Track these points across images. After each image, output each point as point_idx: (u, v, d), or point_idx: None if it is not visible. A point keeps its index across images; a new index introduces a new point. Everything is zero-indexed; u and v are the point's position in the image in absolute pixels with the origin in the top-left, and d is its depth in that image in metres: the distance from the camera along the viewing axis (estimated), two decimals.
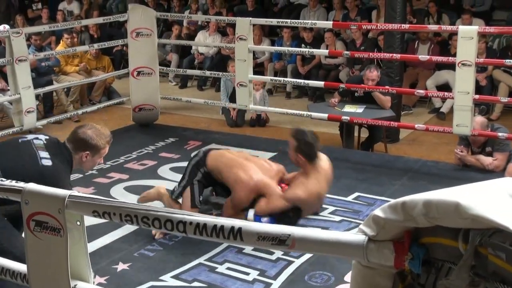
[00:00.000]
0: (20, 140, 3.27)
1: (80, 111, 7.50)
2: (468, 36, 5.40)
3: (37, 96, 7.08)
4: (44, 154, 3.18)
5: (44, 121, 6.93)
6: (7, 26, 8.63)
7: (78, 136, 3.32)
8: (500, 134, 5.40)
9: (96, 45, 7.99)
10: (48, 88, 7.30)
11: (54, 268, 2.04)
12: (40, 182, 2.51)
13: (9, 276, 2.20)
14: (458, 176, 5.40)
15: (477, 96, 5.67)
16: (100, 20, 8.66)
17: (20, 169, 3.05)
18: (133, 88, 7.05)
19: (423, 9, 9.67)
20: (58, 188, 2.04)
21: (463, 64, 5.45)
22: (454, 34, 7.71)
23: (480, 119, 5.65)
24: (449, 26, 7.41)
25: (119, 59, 10.35)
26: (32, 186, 2.03)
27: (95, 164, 3.45)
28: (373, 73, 6.33)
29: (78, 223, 1.99)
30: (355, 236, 1.58)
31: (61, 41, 8.74)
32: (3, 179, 2.42)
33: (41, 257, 2.06)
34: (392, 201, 1.49)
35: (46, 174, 3.08)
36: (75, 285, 2.03)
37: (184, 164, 5.84)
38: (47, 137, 3.34)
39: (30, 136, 3.33)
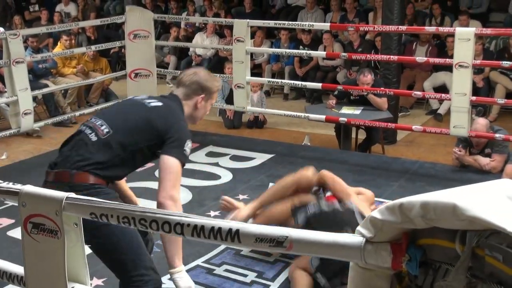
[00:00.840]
0: (119, 101, 3.23)
1: (77, 113, 7.49)
2: (465, 37, 5.41)
3: (34, 98, 7.07)
4: (149, 99, 2.98)
5: (42, 123, 6.91)
6: (1, 29, 8.63)
7: (190, 79, 3.05)
8: (497, 135, 5.41)
9: (93, 47, 7.98)
10: (45, 90, 7.30)
11: (51, 270, 2.03)
12: (155, 128, 2.80)
13: (5, 279, 2.19)
14: (456, 177, 5.41)
15: (474, 98, 5.68)
16: (98, 22, 8.66)
17: (129, 121, 2.83)
18: (131, 90, 7.05)
19: (423, 11, 9.70)
20: (54, 193, 2.02)
21: (460, 66, 5.46)
22: (450, 35, 7.73)
23: (483, 120, 5.64)
24: (446, 28, 7.44)
25: (116, 61, 10.36)
26: (29, 188, 2.03)
27: (207, 111, 3.14)
28: (367, 77, 6.34)
29: (76, 225, 1.99)
30: (352, 237, 1.58)
31: (58, 43, 8.74)
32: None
33: (38, 259, 2.06)
34: (390, 202, 1.49)
35: (160, 113, 2.86)
36: (73, 287, 2.03)
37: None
38: (146, 95, 3.18)
39: (128, 97, 3.27)
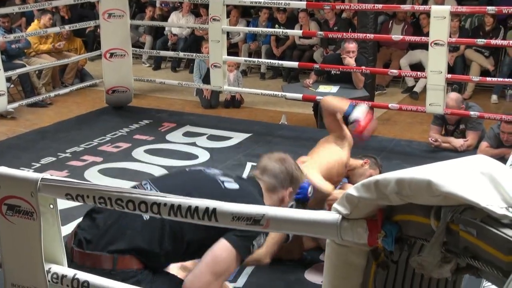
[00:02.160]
0: (186, 169, 2.62)
1: (52, 94, 7.39)
2: (440, 15, 5.43)
3: (8, 79, 6.97)
4: (225, 178, 2.46)
5: (16, 104, 6.81)
6: None
7: (279, 167, 2.61)
8: (472, 112, 5.47)
9: (67, 27, 7.86)
10: (19, 71, 7.18)
11: (28, 252, 2.02)
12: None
13: None
14: (432, 155, 5.47)
15: (449, 76, 5.72)
16: (71, 1, 8.51)
17: (200, 193, 2.08)
18: (106, 70, 6.97)
19: None
20: (29, 174, 2.01)
21: (435, 44, 5.48)
22: (424, 13, 7.76)
23: (454, 95, 5.69)
24: (422, 6, 7.44)
25: (92, 41, 10.23)
26: (3, 169, 2.00)
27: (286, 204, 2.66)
28: (351, 45, 6.35)
29: (51, 206, 1.97)
30: (329, 214, 1.59)
31: (33, 23, 8.59)
32: None
33: (15, 241, 2.04)
34: (365, 179, 1.50)
35: (234, 196, 2.19)
36: (49, 268, 2.02)
37: (159, 146, 5.84)
38: (221, 171, 2.63)
39: (198, 167, 2.66)
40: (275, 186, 2.57)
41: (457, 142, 5.54)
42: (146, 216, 2.23)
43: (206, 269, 2.19)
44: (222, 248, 2.20)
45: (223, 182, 2.42)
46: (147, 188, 2.41)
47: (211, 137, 6.10)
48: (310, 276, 3.49)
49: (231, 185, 2.41)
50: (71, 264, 2.17)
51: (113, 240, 2.25)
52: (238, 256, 2.21)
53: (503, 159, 4.06)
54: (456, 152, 5.42)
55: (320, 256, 3.57)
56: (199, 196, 1.78)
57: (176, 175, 2.60)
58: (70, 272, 2.02)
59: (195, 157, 5.56)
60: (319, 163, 3.65)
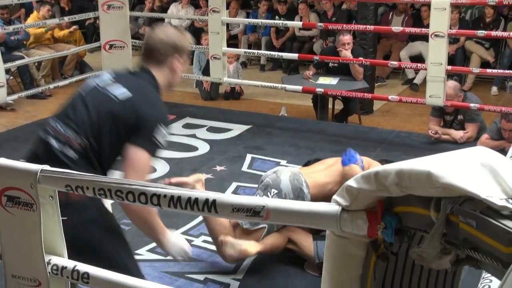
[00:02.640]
0: (81, 92, 2.58)
1: (52, 86, 7.38)
2: (441, 7, 5.41)
3: (7, 71, 6.95)
4: (117, 88, 2.50)
5: (15, 96, 6.81)
6: None
7: (159, 40, 2.62)
8: (472, 104, 5.46)
9: (66, 18, 7.85)
10: (18, 62, 7.17)
11: (27, 243, 2.02)
12: (127, 126, 2.39)
13: None
14: (431, 146, 5.47)
15: (449, 67, 5.71)
16: None
17: (94, 123, 2.40)
18: (106, 62, 6.96)
19: None
20: (29, 165, 2.00)
21: (436, 35, 5.47)
22: (425, 4, 7.74)
23: (452, 83, 5.68)
24: None
25: (92, 32, 10.20)
26: (3, 161, 2.00)
27: (184, 70, 2.75)
28: (345, 37, 6.34)
29: (51, 197, 1.97)
30: (328, 206, 1.59)
31: (31, 15, 8.58)
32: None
33: (14, 233, 2.04)
34: (365, 171, 1.50)
35: (131, 107, 2.42)
36: (50, 260, 2.02)
37: None
38: (111, 72, 2.65)
39: (90, 82, 2.62)
40: (158, 59, 2.61)
41: (457, 134, 5.54)
42: (72, 154, 2.39)
43: (131, 175, 2.37)
44: (134, 155, 2.41)
45: (116, 96, 2.47)
46: (58, 128, 2.47)
47: (211, 129, 6.10)
48: (310, 269, 3.49)
49: (124, 94, 2.47)
50: None
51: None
52: (149, 154, 2.43)
53: (503, 151, 4.06)
54: (455, 143, 5.42)
55: (304, 266, 3.51)
56: (105, 124, 2.35)
57: (77, 105, 2.53)
58: (70, 264, 2.02)
59: (195, 148, 5.56)
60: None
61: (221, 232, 3.34)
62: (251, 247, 3.25)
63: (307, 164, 3.96)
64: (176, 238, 2.63)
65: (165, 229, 2.58)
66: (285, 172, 3.48)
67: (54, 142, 2.44)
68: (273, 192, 3.34)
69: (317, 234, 3.46)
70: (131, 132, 2.41)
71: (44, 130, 2.54)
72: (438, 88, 5.58)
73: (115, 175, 2.52)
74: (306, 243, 3.42)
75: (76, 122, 2.45)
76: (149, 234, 2.61)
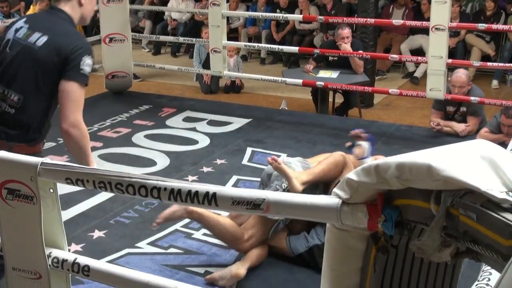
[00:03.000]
0: (7, 50, 2.74)
1: None
2: (441, 0, 5.40)
3: None
4: (33, 35, 2.69)
5: None
6: None
7: None
8: (472, 98, 5.45)
9: None
10: None
11: (28, 236, 2.02)
12: (55, 66, 2.62)
13: None
14: (432, 139, 5.47)
15: (450, 60, 5.70)
16: None
17: (21, 76, 2.67)
18: (106, 55, 6.95)
19: None
20: (29, 158, 2.00)
21: (436, 29, 5.46)
22: None
23: (463, 70, 5.65)
24: None
25: (91, 26, 10.18)
26: (2, 154, 2.00)
27: (94, 5, 2.88)
28: (344, 30, 6.33)
29: (51, 190, 1.97)
30: (329, 199, 1.59)
31: (31, 6, 8.55)
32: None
33: (15, 226, 2.05)
34: (366, 164, 1.50)
35: (52, 49, 2.64)
36: (50, 253, 2.02)
37: (159, 131, 5.84)
38: (25, 19, 2.83)
39: (11, 35, 2.78)
40: None
41: (459, 127, 5.53)
42: (10, 110, 2.67)
43: (68, 112, 2.63)
44: (68, 89, 2.64)
45: (35, 44, 2.67)
46: None
47: (211, 122, 6.10)
48: None
49: (42, 40, 2.66)
50: None
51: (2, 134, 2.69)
52: (81, 84, 2.66)
53: (503, 144, 4.06)
54: (456, 136, 5.42)
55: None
56: (35, 73, 2.61)
57: (6, 63, 2.72)
58: (71, 257, 2.02)
59: (195, 142, 5.56)
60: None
61: (224, 236, 3.42)
62: (240, 269, 3.32)
63: None
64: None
65: (92, 159, 2.82)
66: (295, 162, 3.60)
67: None
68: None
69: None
70: (60, 70, 2.64)
71: None
72: (438, 81, 5.57)
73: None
74: (282, 241, 3.50)
75: (9, 79, 2.69)
76: (79, 160, 2.74)
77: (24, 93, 2.67)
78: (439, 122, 5.62)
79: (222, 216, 3.51)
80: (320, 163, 3.51)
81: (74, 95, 2.65)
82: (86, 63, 2.66)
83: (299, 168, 3.53)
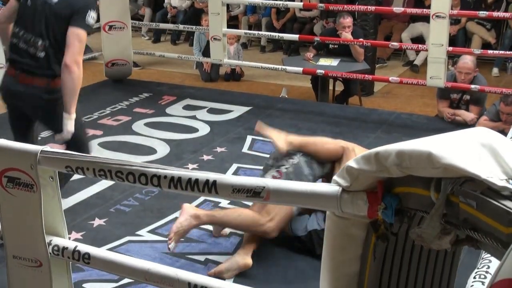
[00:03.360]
0: (28, 5, 3.38)
1: None
2: None
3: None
4: None
5: None
6: None
7: None
8: (473, 86, 5.44)
9: None
10: None
11: (28, 224, 2.03)
12: (66, 19, 3.27)
13: None
14: (432, 127, 5.46)
15: (450, 48, 5.68)
16: None
17: (47, 26, 3.32)
18: (105, 43, 6.92)
19: None
20: (29, 146, 2.00)
21: (437, 16, 5.44)
22: None
23: (470, 57, 5.62)
24: None
25: None
26: (2, 141, 2.00)
27: None
28: (346, 19, 6.31)
29: (51, 179, 1.98)
30: (329, 187, 1.59)
31: None
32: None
33: (15, 214, 2.05)
34: (366, 152, 1.50)
35: (64, 5, 3.30)
36: (50, 241, 2.03)
37: (159, 119, 5.83)
38: None
39: None
40: None
41: (468, 116, 5.48)
42: (40, 54, 3.35)
43: (75, 51, 3.26)
44: (76, 33, 3.27)
45: (52, 1, 3.33)
46: (23, 34, 3.37)
47: (211, 110, 6.09)
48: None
49: None
50: (18, 85, 3.36)
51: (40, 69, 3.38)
52: (85, 31, 3.31)
53: (502, 132, 4.06)
54: (456, 124, 5.40)
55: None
56: (53, 24, 3.32)
57: (29, 15, 3.38)
58: (71, 244, 2.03)
59: (195, 130, 5.56)
60: None
61: (244, 225, 3.35)
62: (246, 258, 3.27)
63: None
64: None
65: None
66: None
67: (23, 45, 3.37)
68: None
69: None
70: (70, 21, 3.28)
71: (13, 36, 3.42)
72: (439, 69, 5.56)
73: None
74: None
75: (34, 28, 3.34)
76: (66, 101, 3.31)
77: (48, 39, 3.32)
78: (454, 112, 5.56)
79: (231, 209, 3.49)
80: (318, 138, 3.52)
81: (79, 38, 3.28)
82: (91, 16, 3.31)
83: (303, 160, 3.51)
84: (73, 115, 3.35)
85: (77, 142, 3.46)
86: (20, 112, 3.50)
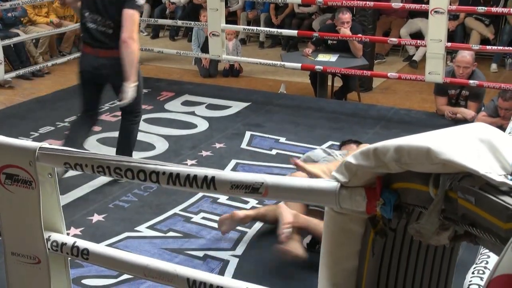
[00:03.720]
0: None
1: (50, 63, 7.36)
2: None
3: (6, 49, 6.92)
4: None
5: (13, 74, 6.79)
6: None
7: None
8: (471, 81, 5.44)
9: None
10: (16, 39, 7.13)
11: (27, 220, 2.03)
12: (121, 2, 3.92)
13: None
14: (430, 123, 5.45)
15: (449, 44, 5.68)
16: None
17: (109, 9, 4.00)
18: None
19: None
20: (28, 143, 2.00)
21: (435, 12, 5.44)
22: None
23: (468, 52, 5.62)
24: None
25: None
26: (1, 138, 2.00)
27: None
28: (345, 15, 6.30)
29: (50, 175, 1.97)
30: (327, 182, 1.59)
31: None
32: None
33: (14, 210, 2.05)
34: (364, 147, 1.50)
35: None
36: (49, 236, 2.03)
37: (158, 115, 5.83)
38: None
39: None
40: None
41: (469, 113, 5.47)
42: (109, 31, 4.04)
43: (130, 28, 3.91)
44: (129, 14, 3.91)
45: None
46: (91, 16, 4.07)
47: (210, 106, 6.09)
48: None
49: None
50: (99, 59, 4.07)
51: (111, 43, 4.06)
52: (137, 12, 3.96)
53: (501, 128, 4.06)
54: (455, 122, 5.40)
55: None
56: (112, 7, 3.99)
57: (95, 1, 4.05)
58: (70, 240, 2.03)
59: (194, 126, 5.56)
60: None
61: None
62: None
63: (343, 144, 4.20)
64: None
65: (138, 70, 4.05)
66: (318, 153, 3.86)
67: (92, 25, 4.05)
68: None
69: None
70: (123, 4, 3.91)
71: (83, 17, 4.11)
72: (437, 65, 5.56)
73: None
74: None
75: (98, 10, 4.01)
76: (127, 71, 3.92)
77: (110, 19, 3.99)
78: (454, 111, 5.53)
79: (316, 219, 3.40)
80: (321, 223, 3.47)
81: (132, 18, 3.92)
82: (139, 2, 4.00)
83: (322, 156, 3.56)
84: (134, 83, 3.94)
85: (136, 105, 4.18)
86: (94, 82, 4.18)
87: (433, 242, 1.43)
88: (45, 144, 1.94)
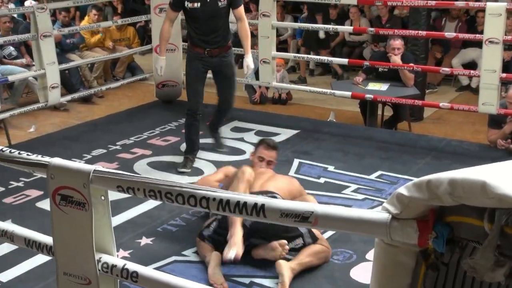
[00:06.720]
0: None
1: (104, 87, 7.54)
2: (496, 13, 5.30)
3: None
4: None
5: (69, 97, 6.98)
6: (33, 2, 8.68)
7: None
8: None
9: (119, 21, 8.00)
10: (72, 64, 7.35)
11: (79, 241, 2.06)
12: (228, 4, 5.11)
13: (35, 248, 2.24)
14: (483, 155, 5.34)
15: (504, 75, 5.58)
16: None
17: (216, 20, 5.15)
18: None
19: None
20: (82, 166, 2.05)
21: (490, 42, 5.36)
22: (480, 10, 7.59)
23: None
24: (477, 3, 7.28)
25: (142, 35, 10.35)
26: (57, 160, 2.05)
27: None
28: (396, 42, 6.27)
29: (103, 197, 2.01)
30: (378, 214, 1.57)
31: (86, 17, 8.76)
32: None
33: (67, 231, 2.09)
34: (417, 179, 1.48)
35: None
36: (100, 258, 2.06)
37: (207, 140, 5.88)
38: None
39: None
40: None
41: None
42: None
43: (243, 14, 5.22)
44: (240, 11, 5.22)
45: (220, 5, 5.03)
46: (200, 33, 5.17)
47: (259, 133, 6.11)
48: (356, 275, 3.46)
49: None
50: (212, 58, 5.18)
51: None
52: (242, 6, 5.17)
53: None
54: (510, 154, 5.27)
55: None
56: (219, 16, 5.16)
57: (208, 19, 5.12)
58: (120, 262, 2.05)
59: (242, 152, 5.58)
60: None
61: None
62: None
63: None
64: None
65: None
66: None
67: (203, 37, 5.14)
68: None
69: None
70: (231, 5, 5.14)
71: (194, 32, 5.18)
72: (491, 96, 5.46)
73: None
74: None
75: (209, 26, 5.09)
76: (245, 44, 5.32)
77: (219, 30, 5.17)
78: (508, 142, 5.40)
79: (309, 251, 3.57)
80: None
81: (243, 11, 5.24)
82: None
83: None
84: (250, 55, 5.25)
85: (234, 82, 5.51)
86: (204, 74, 5.30)
87: (488, 279, 1.39)
88: (99, 167, 1.98)
